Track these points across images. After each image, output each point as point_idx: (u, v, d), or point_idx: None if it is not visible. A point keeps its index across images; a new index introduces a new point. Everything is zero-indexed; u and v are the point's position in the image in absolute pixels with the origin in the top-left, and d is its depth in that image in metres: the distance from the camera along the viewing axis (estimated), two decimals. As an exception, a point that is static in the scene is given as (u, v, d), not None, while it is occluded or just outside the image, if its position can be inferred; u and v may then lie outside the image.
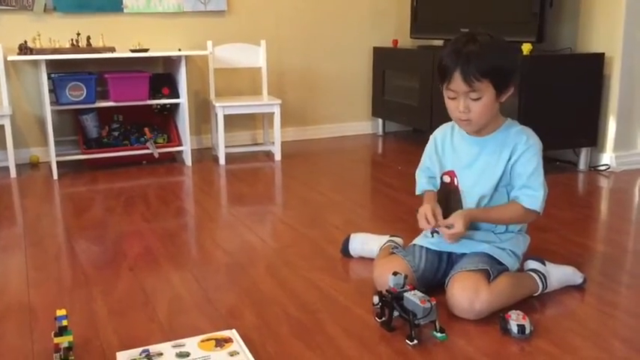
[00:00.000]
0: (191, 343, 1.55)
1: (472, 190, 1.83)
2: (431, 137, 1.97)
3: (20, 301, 1.86)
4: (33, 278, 2.04)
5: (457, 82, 1.69)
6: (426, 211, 1.79)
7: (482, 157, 1.81)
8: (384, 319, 1.67)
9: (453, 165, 1.87)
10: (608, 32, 3.33)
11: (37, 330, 1.68)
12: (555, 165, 3.54)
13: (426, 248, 1.87)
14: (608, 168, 3.41)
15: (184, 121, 3.65)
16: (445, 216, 1.80)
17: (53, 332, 1.49)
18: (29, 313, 1.78)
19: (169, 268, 2.11)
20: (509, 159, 1.77)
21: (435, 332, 1.60)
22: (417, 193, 2.01)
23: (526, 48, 3.15)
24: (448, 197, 1.88)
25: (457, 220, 1.75)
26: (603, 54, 3.33)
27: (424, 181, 1.99)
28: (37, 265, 2.17)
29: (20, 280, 2.02)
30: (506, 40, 1.78)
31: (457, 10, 3.85)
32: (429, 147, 1.97)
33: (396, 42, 4.34)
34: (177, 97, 3.65)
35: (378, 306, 1.69)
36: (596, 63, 3.33)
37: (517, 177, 1.78)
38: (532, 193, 1.76)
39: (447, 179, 1.89)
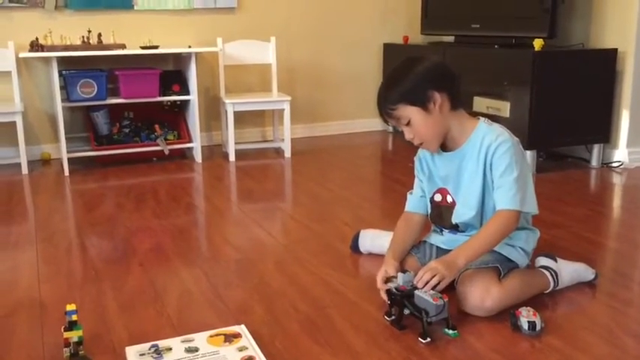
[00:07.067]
0: (200, 339, 1.55)
1: (467, 203, 1.78)
2: (415, 157, 1.93)
3: (31, 296, 1.87)
4: (44, 273, 2.05)
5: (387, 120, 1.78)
6: (377, 276, 1.76)
7: (465, 168, 1.77)
8: (393, 317, 1.66)
9: (444, 182, 1.84)
10: (621, 27, 3.30)
11: (48, 324, 1.68)
12: (567, 161, 3.51)
13: (437, 246, 1.86)
14: (621, 164, 3.37)
15: (194, 117, 3.66)
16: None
17: (63, 327, 1.49)
18: (40, 308, 1.79)
19: (179, 264, 2.12)
20: (485, 162, 1.71)
21: (446, 329, 1.59)
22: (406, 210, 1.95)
23: (538, 44, 3.12)
24: (441, 216, 1.86)
25: (427, 273, 1.62)
26: (616, 49, 3.30)
27: (414, 200, 1.92)
28: (48, 260, 2.18)
29: (31, 276, 2.03)
30: (417, 57, 1.76)
31: (468, 5, 3.82)
32: (417, 167, 1.92)
33: (406, 38, 4.32)
34: (188, 93, 3.66)
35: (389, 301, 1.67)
36: (608, 59, 3.30)
37: (493, 179, 1.72)
38: (505, 192, 1.67)
39: (438, 198, 1.85)
